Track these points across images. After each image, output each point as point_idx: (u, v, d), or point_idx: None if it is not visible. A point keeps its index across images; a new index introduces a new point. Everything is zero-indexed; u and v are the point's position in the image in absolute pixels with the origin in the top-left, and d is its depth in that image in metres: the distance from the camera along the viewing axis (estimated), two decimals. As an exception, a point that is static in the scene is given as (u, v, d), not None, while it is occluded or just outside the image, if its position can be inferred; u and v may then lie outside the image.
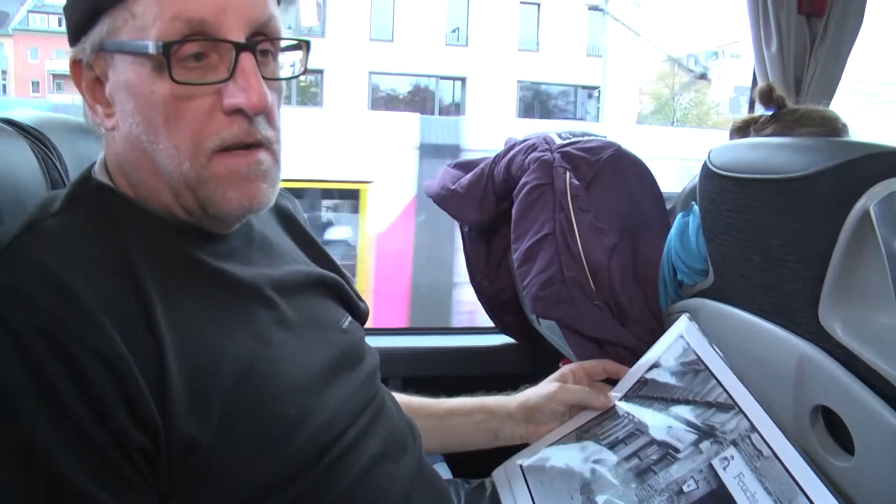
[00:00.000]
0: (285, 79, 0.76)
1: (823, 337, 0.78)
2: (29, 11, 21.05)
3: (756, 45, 1.75)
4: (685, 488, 0.84)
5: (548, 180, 1.16)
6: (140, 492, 0.62)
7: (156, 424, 0.62)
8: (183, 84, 0.67)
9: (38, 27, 21.29)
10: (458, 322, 5.15)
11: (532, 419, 1.05)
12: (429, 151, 5.10)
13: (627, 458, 0.93)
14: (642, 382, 1.02)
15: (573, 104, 18.93)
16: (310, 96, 17.09)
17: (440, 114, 17.52)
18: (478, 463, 1.10)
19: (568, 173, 1.15)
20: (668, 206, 1.20)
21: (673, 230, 1.08)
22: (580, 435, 1.02)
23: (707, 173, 0.96)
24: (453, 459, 1.19)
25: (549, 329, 1.29)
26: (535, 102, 19.23)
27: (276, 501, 0.69)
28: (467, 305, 4.49)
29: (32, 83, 21.49)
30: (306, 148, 4.83)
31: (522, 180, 1.20)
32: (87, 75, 0.72)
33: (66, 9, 0.72)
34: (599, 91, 17.37)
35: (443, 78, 18.22)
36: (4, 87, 21.50)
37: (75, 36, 0.71)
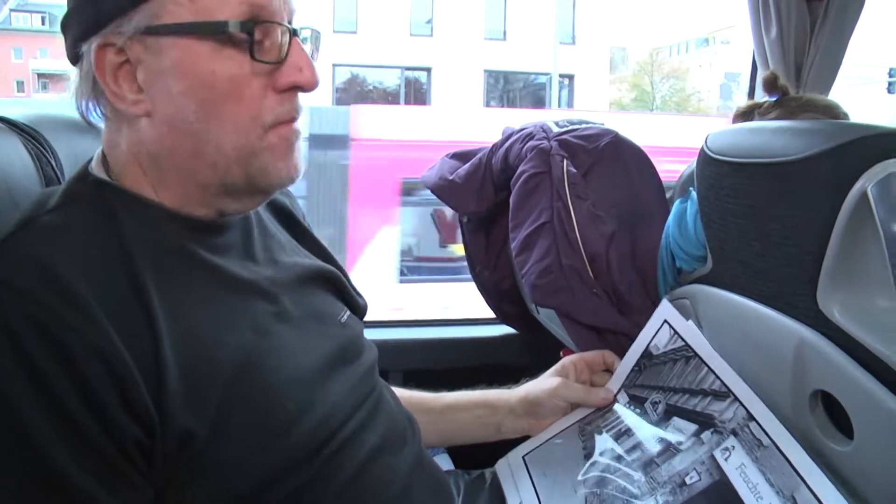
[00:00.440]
0: None
1: (822, 321, 0.77)
2: (11, 10, 20.94)
3: (755, 30, 1.74)
4: (688, 480, 0.83)
5: (545, 168, 1.16)
6: (135, 486, 0.63)
7: (151, 418, 0.62)
8: (262, 62, 0.71)
9: (22, 26, 21.20)
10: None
11: (534, 413, 1.06)
12: (318, 143, 4.97)
13: (630, 450, 0.92)
14: (637, 371, 1.01)
15: (544, 92, 18.83)
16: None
17: (405, 104, 17.48)
18: (480, 454, 1.10)
19: (565, 161, 1.15)
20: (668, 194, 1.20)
21: (671, 217, 1.08)
22: (583, 427, 1.02)
23: (704, 158, 0.95)
24: (455, 450, 1.19)
25: (548, 318, 1.29)
26: (503, 91, 19.32)
27: (273, 494, 0.69)
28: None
29: (17, 83, 21.38)
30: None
31: (520, 169, 1.19)
32: (114, 61, 0.71)
33: None
34: (566, 79, 17.38)
35: (408, 69, 18.21)
36: (-13, 86, 21.43)
37: (105, 21, 0.70)
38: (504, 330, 1.63)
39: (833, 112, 1.31)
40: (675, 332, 0.97)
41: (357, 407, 0.81)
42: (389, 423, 0.86)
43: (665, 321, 0.99)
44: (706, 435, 0.85)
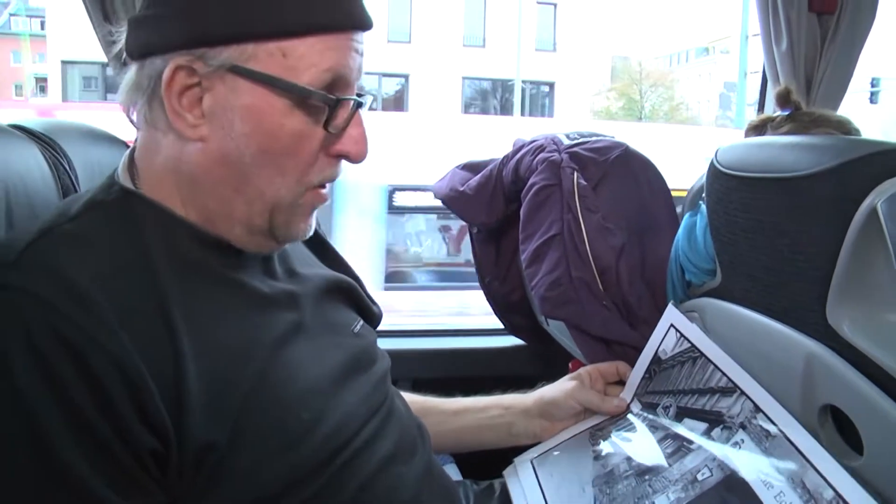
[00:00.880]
0: None
1: (831, 336, 0.77)
2: (11, 15, 21.08)
3: (766, 43, 1.75)
4: (699, 476, 0.84)
5: (556, 181, 1.16)
6: (149, 493, 0.63)
7: (166, 428, 0.63)
8: (333, 134, 0.73)
9: (21, 30, 21.32)
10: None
11: (548, 415, 1.06)
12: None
13: (641, 453, 0.93)
14: (647, 378, 1.02)
15: (523, 99, 18.85)
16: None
17: (382, 110, 17.57)
18: (488, 464, 1.10)
19: (576, 174, 1.15)
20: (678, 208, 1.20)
21: (680, 230, 1.08)
22: (594, 433, 1.02)
23: (714, 172, 0.96)
24: (463, 461, 1.19)
25: (558, 330, 1.29)
26: (480, 98, 19.44)
27: (286, 503, 0.70)
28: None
29: (15, 87, 21.50)
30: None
31: (530, 181, 1.20)
32: (185, 82, 0.70)
33: (185, 10, 0.70)
34: (546, 86, 17.27)
35: (385, 75, 18.24)
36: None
37: (194, 44, 0.69)
38: (513, 341, 1.64)
39: (846, 128, 1.33)
40: (681, 333, 0.98)
41: (370, 416, 0.82)
42: (401, 431, 0.87)
43: (671, 325, 1.00)
44: (716, 432, 0.87)
